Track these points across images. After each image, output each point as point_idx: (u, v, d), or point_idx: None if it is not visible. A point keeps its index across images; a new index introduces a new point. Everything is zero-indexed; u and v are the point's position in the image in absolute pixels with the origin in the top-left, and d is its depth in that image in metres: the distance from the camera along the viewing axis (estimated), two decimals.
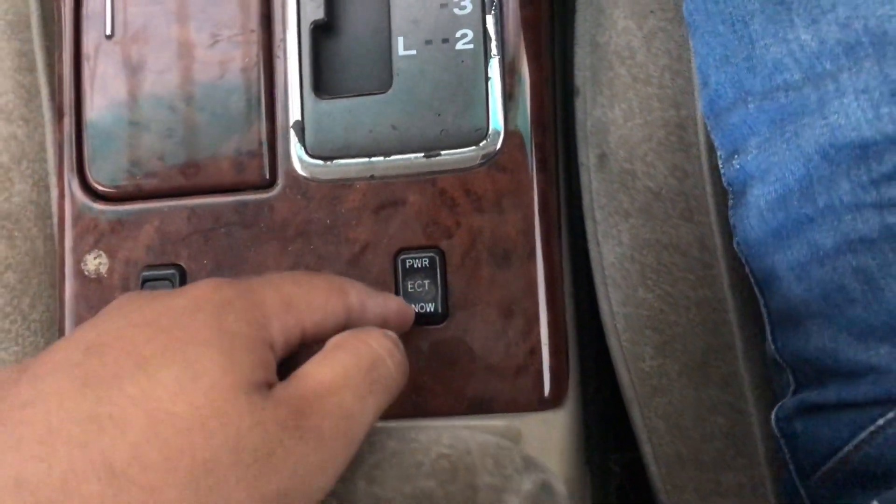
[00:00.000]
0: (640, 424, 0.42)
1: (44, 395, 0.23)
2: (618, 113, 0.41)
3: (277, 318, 0.27)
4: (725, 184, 0.38)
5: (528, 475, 0.26)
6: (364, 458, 0.26)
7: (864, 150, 0.32)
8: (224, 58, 0.42)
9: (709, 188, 0.41)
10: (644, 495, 0.50)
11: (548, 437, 0.37)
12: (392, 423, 0.31)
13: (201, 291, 0.26)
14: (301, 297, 0.28)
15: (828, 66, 0.32)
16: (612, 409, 0.50)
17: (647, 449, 0.42)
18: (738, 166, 0.36)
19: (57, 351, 0.24)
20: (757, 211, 0.35)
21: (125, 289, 0.41)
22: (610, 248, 0.42)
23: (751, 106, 0.34)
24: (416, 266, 0.39)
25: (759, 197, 0.35)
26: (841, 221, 0.32)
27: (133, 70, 0.42)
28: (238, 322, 0.25)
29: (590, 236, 0.42)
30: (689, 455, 0.42)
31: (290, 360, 0.29)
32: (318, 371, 0.26)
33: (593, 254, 0.42)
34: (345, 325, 0.30)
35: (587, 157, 0.42)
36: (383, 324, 0.32)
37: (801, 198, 0.33)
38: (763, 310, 0.37)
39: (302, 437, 0.24)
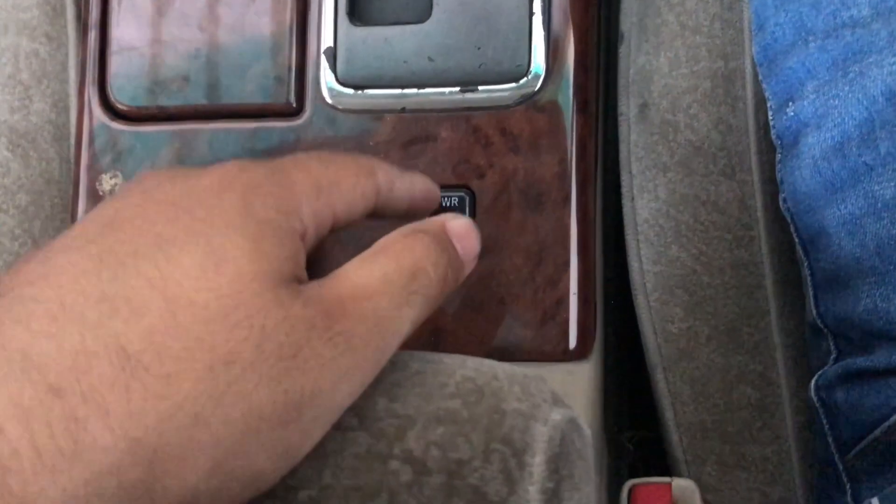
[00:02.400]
0: (663, 389, 0.41)
1: (56, 270, 0.21)
2: (663, 61, 0.40)
3: (308, 203, 0.25)
4: (774, 137, 0.36)
5: (556, 408, 0.24)
6: (385, 376, 0.24)
7: None
8: None
9: (753, 145, 0.39)
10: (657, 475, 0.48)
11: (571, 389, 0.36)
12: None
13: (227, 171, 0.24)
14: (331, 180, 0.26)
15: None
16: (631, 382, 0.48)
17: (668, 416, 0.41)
18: (792, 114, 0.34)
19: (74, 228, 0.23)
20: (810, 161, 0.33)
21: None
22: (645, 203, 0.40)
23: (812, 46, 0.33)
24: (444, 205, 0.37)
25: (814, 146, 0.33)
26: None
27: None
28: (266, 207, 0.24)
29: (624, 190, 0.41)
30: (714, 424, 0.40)
31: (321, 255, 0.27)
32: (355, 273, 0.24)
33: (626, 208, 0.41)
34: (374, 208, 0.28)
35: (627, 106, 0.41)
36: (410, 205, 0.30)
37: (860, 144, 0.31)
38: (806, 272, 0.36)
39: (331, 339, 0.22)
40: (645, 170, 0.40)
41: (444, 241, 0.27)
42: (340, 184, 0.26)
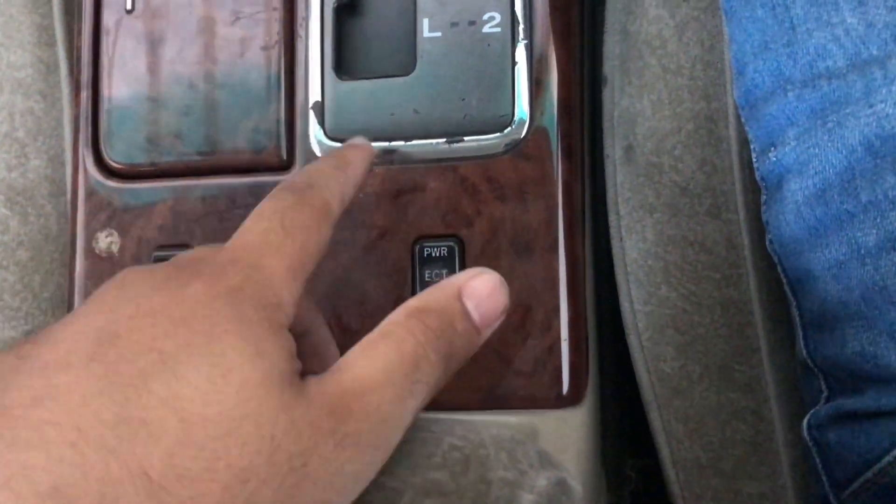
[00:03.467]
0: (658, 427, 0.41)
1: (62, 391, 0.21)
2: (646, 104, 0.40)
3: (288, 291, 0.25)
4: (759, 178, 0.36)
5: (543, 471, 0.25)
6: None
7: None
8: (245, 35, 0.41)
9: (738, 184, 0.39)
10: (659, 503, 0.49)
11: (565, 435, 0.36)
12: None
13: (207, 277, 0.24)
14: (301, 249, 0.25)
15: (874, 51, 0.31)
16: (630, 413, 0.48)
17: (665, 453, 0.41)
18: (775, 159, 0.34)
19: (62, 337, 0.22)
20: (794, 206, 0.33)
21: None
22: (633, 244, 0.40)
23: (790, 95, 0.33)
24: (434, 255, 0.38)
25: (797, 191, 0.33)
26: (885, 218, 0.31)
27: (153, 46, 0.42)
28: (255, 308, 0.23)
29: (613, 231, 0.41)
30: (709, 461, 0.40)
31: None
32: (357, 365, 0.24)
33: (616, 249, 0.41)
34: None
35: (613, 148, 0.41)
36: (359, 182, 0.30)
37: (841, 192, 0.32)
38: (794, 312, 0.36)
39: (339, 443, 0.22)
40: (632, 211, 0.40)
41: (450, 318, 0.26)
42: (310, 251, 0.26)
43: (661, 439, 0.41)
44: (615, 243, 0.41)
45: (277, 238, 0.26)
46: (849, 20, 0.31)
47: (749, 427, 0.40)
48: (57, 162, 0.47)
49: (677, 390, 0.40)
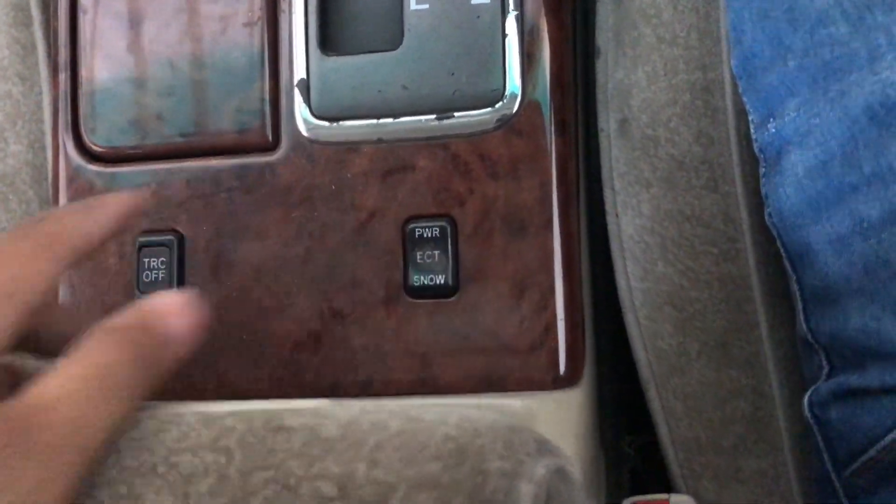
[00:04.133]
0: (656, 406, 0.40)
1: None
2: (641, 75, 0.39)
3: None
4: (757, 150, 0.35)
5: (541, 459, 0.24)
6: (366, 440, 0.24)
7: None
8: (226, 12, 0.39)
9: (735, 156, 0.38)
10: (659, 479, 0.48)
11: (562, 417, 0.35)
12: (397, 402, 0.29)
13: None
14: (11, 278, 0.26)
15: (879, 17, 0.30)
16: (627, 390, 0.48)
17: (663, 431, 0.41)
18: (774, 130, 0.33)
19: None
20: (794, 178, 0.33)
21: (121, 255, 0.40)
22: (629, 220, 0.39)
23: (791, 63, 0.32)
24: (425, 235, 0.37)
25: (797, 163, 0.32)
26: (888, 190, 0.30)
27: (132, 24, 0.40)
28: None
29: (608, 207, 0.40)
30: (708, 439, 0.40)
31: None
32: (43, 385, 0.25)
33: (611, 225, 0.40)
34: (72, 263, 0.28)
35: (607, 122, 0.40)
36: (117, 226, 0.30)
37: (843, 164, 0.31)
38: (794, 287, 0.35)
39: (27, 453, 0.23)
40: (627, 186, 0.39)
41: (139, 331, 0.27)
42: (25, 276, 0.26)
43: (659, 418, 0.41)
44: (610, 219, 0.40)
45: None
46: None
47: (749, 404, 0.39)
48: (38, 147, 0.46)
49: (675, 367, 0.40)
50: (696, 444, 0.40)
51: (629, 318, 0.40)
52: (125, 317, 0.28)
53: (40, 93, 0.46)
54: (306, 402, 0.31)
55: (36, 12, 0.46)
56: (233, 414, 0.26)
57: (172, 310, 0.29)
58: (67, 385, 0.25)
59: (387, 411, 0.26)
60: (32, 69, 0.46)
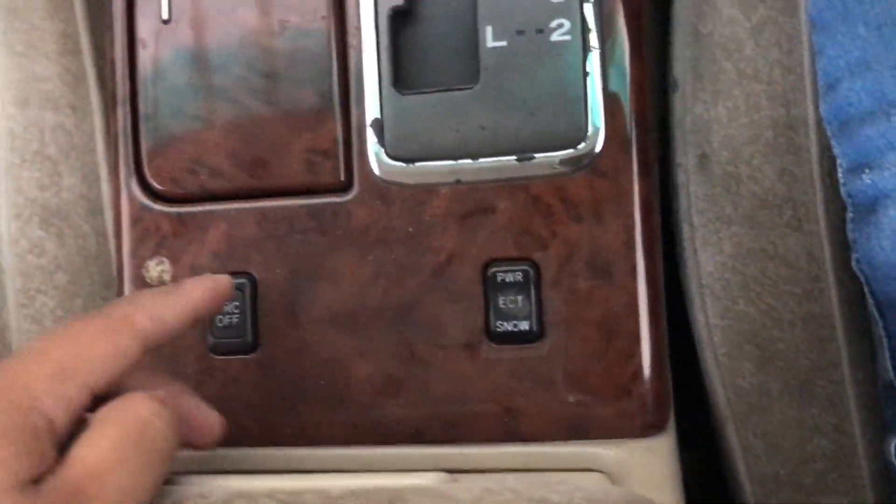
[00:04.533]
0: (734, 443, 0.40)
1: None
2: (721, 111, 0.38)
3: (49, 392, 0.25)
4: (844, 195, 0.35)
5: None
6: None
7: None
8: (293, 47, 0.38)
9: (819, 194, 0.38)
10: (706, 495, 0.48)
11: (652, 465, 0.35)
12: (516, 477, 0.29)
13: None
14: (76, 356, 0.26)
15: None
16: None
17: (740, 468, 0.40)
18: (869, 181, 0.33)
19: None
20: (891, 232, 0.32)
21: None
22: (708, 257, 0.39)
23: (894, 119, 0.31)
24: (508, 280, 0.36)
25: None
26: None
27: (193, 58, 0.39)
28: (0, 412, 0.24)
29: (686, 242, 0.40)
30: (788, 476, 0.39)
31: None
32: (84, 454, 0.25)
33: (689, 261, 0.39)
34: (147, 347, 0.29)
35: (685, 156, 0.39)
36: (194, 314, 0.31)
37: None
38: (881, 332, 0.35)
39: None
40: (707, 223, 0.39)
41: (155, 396, 0.28)
42: (88, 357, 0.27)
43: (737, 454, 0.40)
44: (688, 255, 0.40)
45: (48, 344, 0.27)
46: None
47: (830, 442, 0.39)
48: (91, 179, 0.44)
49: (756, 406, 0.39)
50: (775, 481, 0.40)
51: (706, 356, 0.40)
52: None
53: (92, 123, 0.45)
54: (422, 477, 0.30)
55: (85, 40, 0.45)
56: (352, 493, 0.26)
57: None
58: (109, 448, 0.25)
59: (509, 489, 0.25)
60: (83, 99, 0.45)
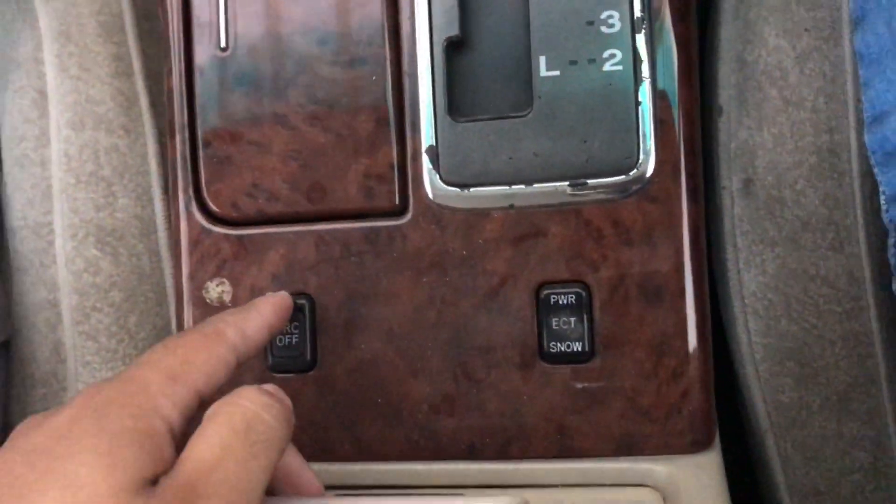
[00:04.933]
0: (773, 454, 0.42)
1: None
2: (767, 137, 0.39)
3: (165, 395, 0.27)
4: (886, 220, 0.36)
5: None
6: None
7: None
8: (349, 75, 0.39)
9: (861, 218, 0.39)
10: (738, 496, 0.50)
11: (701, 480, 0.36)
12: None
13: (82, 399, 0.26)
14: (183, 362, 0.28)
15: None
16: None
17: (779, 479, 0.42)
18: None
19: None
20: None
21: None
22: (752, 277, 0.40)
23: None
24: (560, 302, 0.37)
25: None
26: None
27: (251, 86, 0.40)
28: (121, 418, 0.26)
29: (729, 263, 0.41)
30: (827, 488, 0.41)
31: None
32: (195, 451, 0.26)
33: (732, 281, 0.41)
34: (238, 361, 0.31)
35: (730, 180, 0.40)
36: (270, 332, 0.34)
37: None
38: None
39: None
40: (751, 244, 0.40)
41: (264, 389, 0.30)
42: (194, 363, 0.29)
43: (776, 465, 0.42)
44: (731, 275, 0.41)
45: (156, 355, 0.29)
46: None
47: (868, 454, 0.40)
48: (145, 199, 0.45)
49: (795, 420, 0.41)
50: (814, 491, 0.41)
51: (748, 371, 0.41)
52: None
53: (145, 144, 0.46)
54: (495, 501, 0.32)
55: (137, 63, 0.46)
56: None
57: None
58: (218, 444, 0.27)
59: None
60: (136, 120, 0.46)
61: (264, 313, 0.34)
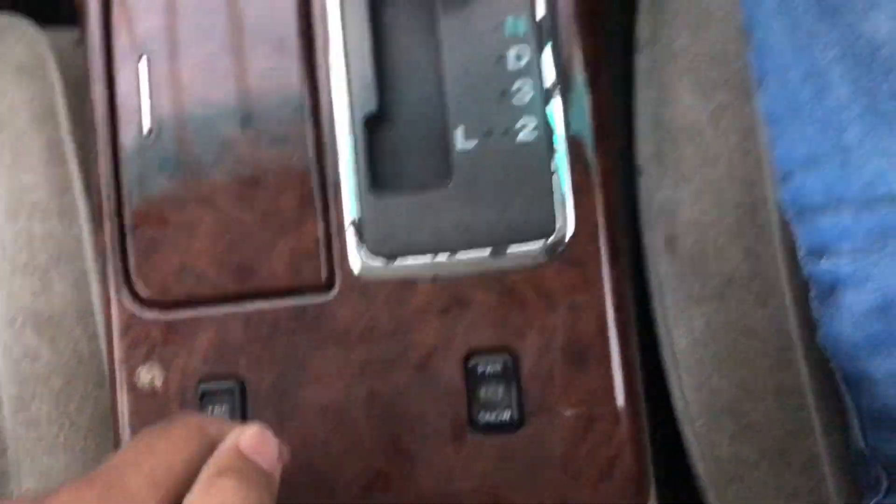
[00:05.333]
0: None
1: None
2: (686, 194, 0.40)
3: (149, 500, 0.27)
4: (806, 275, 0.36)
5: None
6: None
7: None
8: (272, 153, 0.40)
9: (783, 271, 0.39)
10: None
11: None
12: None
13: (65, 498, 0.26)
14: (167, 467, 0.28)
15: None
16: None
17: None
18: (827, 267, 0.34)
19: None
20: (850, 317, 0.34)
21: (182, 402, 0.40)
22: (681, 334, 0.40)
23: (845, 214, 0.33)
24: (488, 371, 0.38)
25: (854, 304, 0.33)
26: None
27: (176, 169, 0.41)
28: None
29: (659, 320, 0.41)
30: None
31: None
32: None
33: (663, 338, 0.41)
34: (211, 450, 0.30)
35: (653, 238, 0.41)
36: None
37: None
38: (850, 403, 0.36)
39: None
40: (678, 302, 0.40)
41: (243, 470, 0.29)
42: (176, 465, 0.29)
43: None
44: (661, 333, 0.41)
45: (139, 455, 0.29)
46: None
47: None
48: (81, 283, 0.46)
49: (734, 475, 0.40)
50: None
51: (686, 429, 0.41)
52: (225, 454, 0.30)
53: (80, 228, 0.46)
54: None
55: (70, 148, 0.46)
56: None
57: (258, 443, 0.31)
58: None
59: None
60: (70, 206, 0.46)
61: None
